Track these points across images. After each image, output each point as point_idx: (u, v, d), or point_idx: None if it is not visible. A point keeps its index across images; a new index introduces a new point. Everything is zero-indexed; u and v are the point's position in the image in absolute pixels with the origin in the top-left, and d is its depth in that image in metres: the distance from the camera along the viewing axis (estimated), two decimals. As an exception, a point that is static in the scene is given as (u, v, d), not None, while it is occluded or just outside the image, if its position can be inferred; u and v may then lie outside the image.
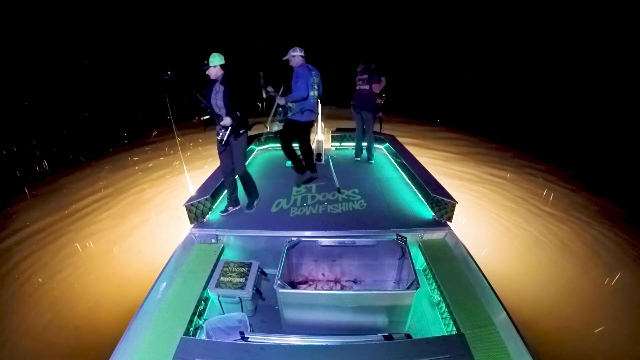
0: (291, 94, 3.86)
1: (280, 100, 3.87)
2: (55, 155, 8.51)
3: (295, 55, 3.86)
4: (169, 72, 3.07)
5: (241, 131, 3.43)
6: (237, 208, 3.77)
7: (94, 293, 4.34)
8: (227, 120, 3.27)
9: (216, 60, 3.22)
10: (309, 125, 4.18)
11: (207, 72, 3.29)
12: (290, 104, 3.92)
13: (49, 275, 4.55)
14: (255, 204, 3.83)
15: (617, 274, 4.45)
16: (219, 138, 3.37)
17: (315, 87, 3.97)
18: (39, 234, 5.44)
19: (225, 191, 4.00)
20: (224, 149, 3.51)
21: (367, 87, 4.64)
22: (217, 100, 3.31)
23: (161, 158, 8.46)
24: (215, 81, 3.32)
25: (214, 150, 3.72)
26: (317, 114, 4.29)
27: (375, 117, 4.97)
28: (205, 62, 3.21)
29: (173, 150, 8.64)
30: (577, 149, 8.72)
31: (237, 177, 3.76)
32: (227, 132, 3.33)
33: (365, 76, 4.62)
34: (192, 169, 7.29)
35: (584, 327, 3.73)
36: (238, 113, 3.29)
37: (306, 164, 4.44)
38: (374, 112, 4.86)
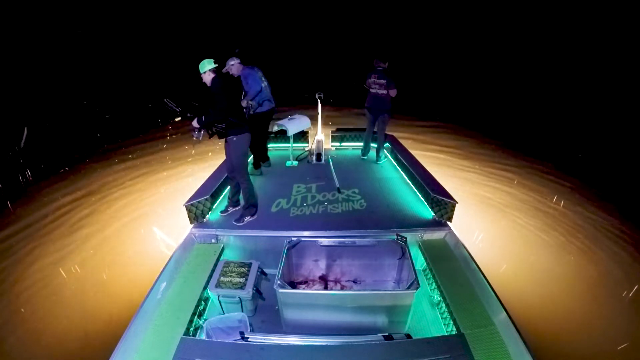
0: (248, 93, 4.24)
1: (243, 102, 4.15)
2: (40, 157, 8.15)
3: (234, 64, 4.26)
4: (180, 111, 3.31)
5: (234, 137, 3.33)
6: (237, 209, 3.75)
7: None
8: (193, 122, 3.26)
9: (204, 67, 3.20)
10: (269, 114, 4.60)
11: (203, 82, 3.28)
12: (251, 102, 4.30)
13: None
14: (246, 219, 3.55)
15: (622, 275, 4.48)
16: (195, 137, 3.36)
17: (263, 78, 4.45)
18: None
19: (226, 190, 4.00)
20: (225, 148, 3.48)
21: (385, 92, 4.69)
22: (194, 121, 3.28)
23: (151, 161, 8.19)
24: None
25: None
26: (274, 103, 4.66)
27: (390, 118, 5.01)
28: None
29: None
30: (578, 150, 8.68)
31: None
32: (201, 133, 3.32)
33: (384, 81, 4.65)
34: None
35: (585, 329, 3.73)
36: (203, 117, 3.21)
37: (262, 153, 4.96)
38: (390, 114, 4.92)
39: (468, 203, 5.87)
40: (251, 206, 3.61)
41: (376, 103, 4.85)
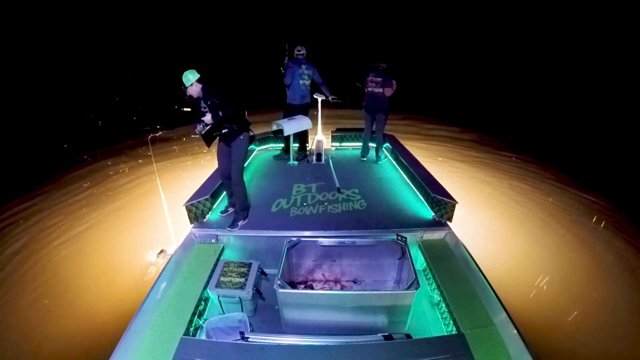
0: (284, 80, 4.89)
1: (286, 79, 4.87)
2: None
3: (295, 52, 4.85)
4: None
5: (241, 136, 3.31)
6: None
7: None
8: (207, 118, 3.11)
9: (191, 78, 3.05)
10: (302, 107, 5.02)
11: (188, 95, 3.14)
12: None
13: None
14: (239, 223, 3.47)
15: (621, 273, 4.48)
16: (197, 130, 3.16)
17: (305, 77, 4.87)
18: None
19: (225, 192, 4.00)
20: (224, 150, 3.41)
21: (380, 90, 4.69)
22: (207, 117, 3.13)
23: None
24: (199, 99, 3.18)
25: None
26: (309, 99, 5.11)
27: (387, 118, 5.00)
28: (182, 87, 3.06)
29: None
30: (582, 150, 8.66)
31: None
32: (204, 128, 3.16)
33: (379, 79, 4.66)
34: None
35: (585, 327, 3.73)
36: (220, 113, 3.07)
37: (300, 143, 5.32)
38: (387, 113, 4.91)
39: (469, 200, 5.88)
40: (244, 209, 3.56)
41: (372, 102, 4.87)
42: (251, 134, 3.46)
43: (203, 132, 3.20)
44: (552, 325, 3.74)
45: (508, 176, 7.21)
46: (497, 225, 5.56)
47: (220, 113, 3.08)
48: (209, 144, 3.36)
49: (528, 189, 6.71)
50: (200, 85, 3.13)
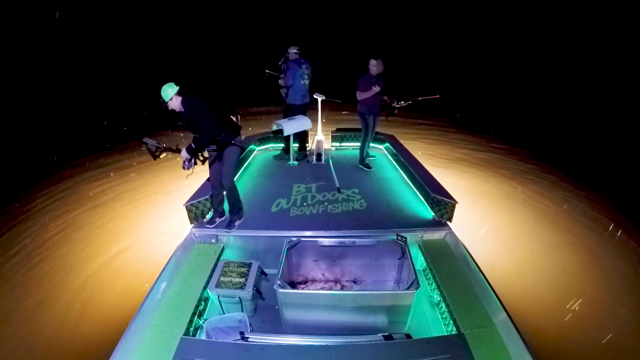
0: (284, 83, 4.86)
1: (281, 82, 4.84)
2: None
3: (290, 52, 4.83)
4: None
5: (232, 143, 3.26)
6: (223, 218, 3.62)
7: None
8: (182, 153, 3.12)
9: (169, 92, 2.97)
10: (302, 107, 5.03)
11: (170, 109, 3.06)
12: (284, 92, 4.95)
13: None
14: (236, 224, 3.48)
15: (620, 273, 4.48)
16: (185, 169, 3.19)
17: (306, 77, 4.87)
18: None
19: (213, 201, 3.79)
20: (215, 158, 3.37)
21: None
22: (183, 152, 3.14)
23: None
24: (181, 113, 3.11)
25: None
26: (309, 99, 5.07)
27: (366, 121, 4.68)
28: (161, 100, 2.98)
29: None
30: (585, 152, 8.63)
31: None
32: (191, 163, 3.17)
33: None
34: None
35: (585, 327, 3.73)
36: (193, 145, 3.07)
37: (300, 143, 5.29)
38: (362, 116, 4.66)
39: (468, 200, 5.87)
40: (239, 210, 3.56)
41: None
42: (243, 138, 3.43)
43: (193, 167, 3.20)
44: (553, 325, 3.75)
45: (518, 180, 7.18)
46: (503, 228, 5.56)
47: (193, 145, 3.08)
48: (202, 162, 3.37)
49: (540, 192, 6.67)
50: (180, 98, 3.02)
